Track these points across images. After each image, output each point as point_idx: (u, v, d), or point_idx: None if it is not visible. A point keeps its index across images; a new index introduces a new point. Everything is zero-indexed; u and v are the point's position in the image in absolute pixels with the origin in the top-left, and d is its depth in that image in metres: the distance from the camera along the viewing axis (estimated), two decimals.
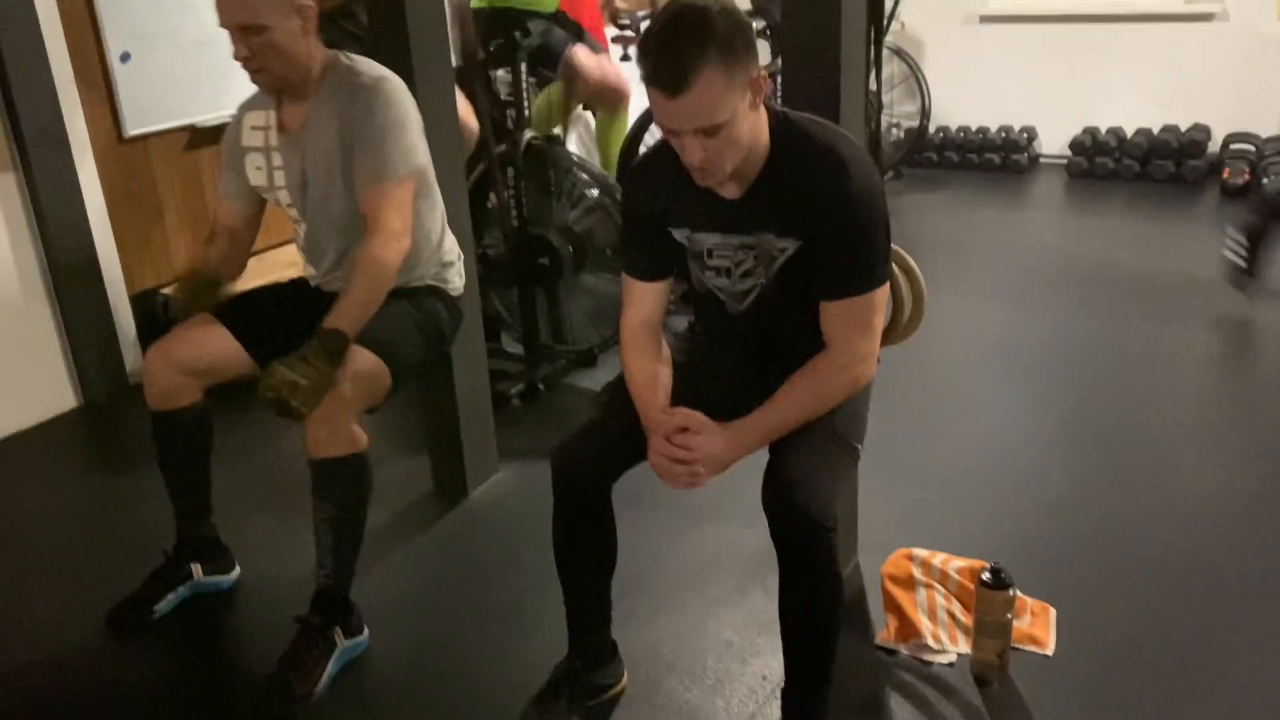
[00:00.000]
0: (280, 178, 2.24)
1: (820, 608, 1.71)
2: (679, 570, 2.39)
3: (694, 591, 2.31)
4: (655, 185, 1.80)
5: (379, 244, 2.08)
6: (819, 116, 1.80)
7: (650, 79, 1.56)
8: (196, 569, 2.36)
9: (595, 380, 3.42)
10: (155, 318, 3.57)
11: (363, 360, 2.07)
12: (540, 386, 3.33)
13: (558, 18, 3.74)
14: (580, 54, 3.75)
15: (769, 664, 2.05)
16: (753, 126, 1.64)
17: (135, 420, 3.28)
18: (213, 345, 2.24)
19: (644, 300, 1.89)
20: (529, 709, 1.97)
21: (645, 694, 2.02)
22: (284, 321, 2.29)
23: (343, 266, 2.27)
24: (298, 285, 2.40)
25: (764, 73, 1.61)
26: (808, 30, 1.94)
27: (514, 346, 3.51)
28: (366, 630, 2.18)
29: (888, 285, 1.76)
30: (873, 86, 3.65)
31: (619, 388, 1.89)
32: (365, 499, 2.11)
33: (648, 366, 1.84)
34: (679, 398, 1.82)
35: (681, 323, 2.07)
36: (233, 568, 2.43)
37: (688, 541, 2.48)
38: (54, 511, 2.84)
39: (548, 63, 3.72)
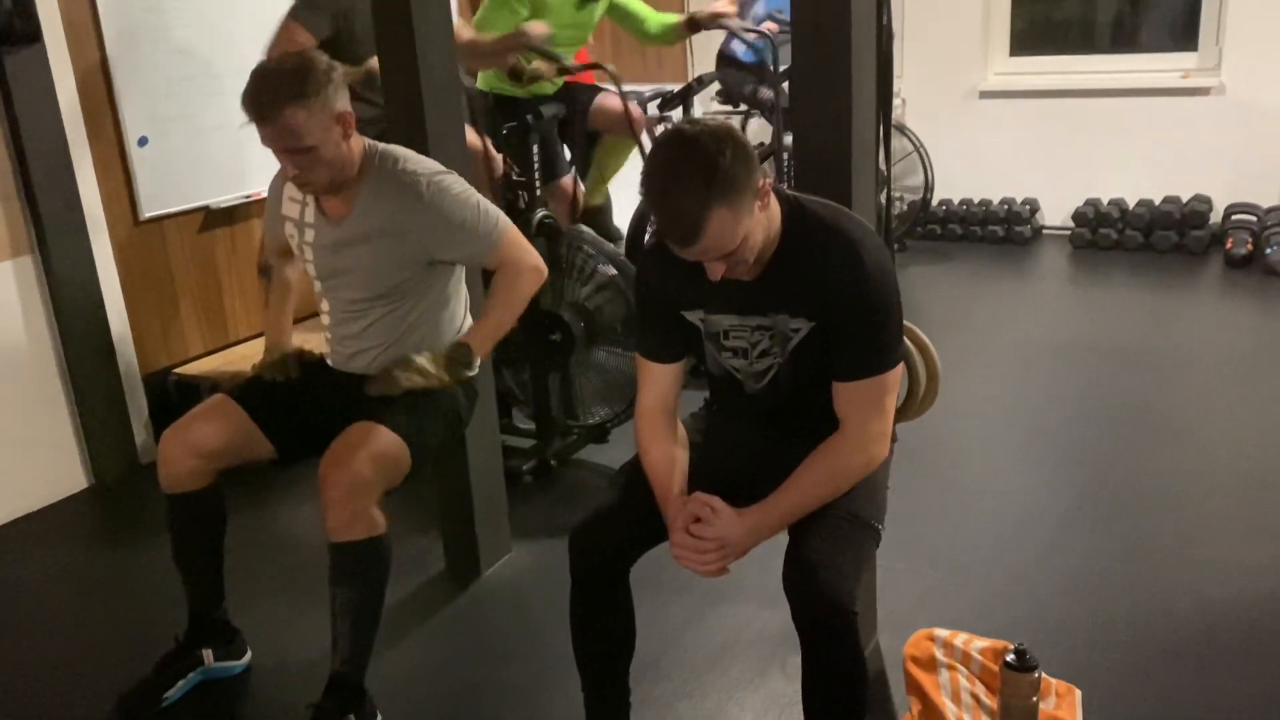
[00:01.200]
0: (309, 253, 2.27)
1: (844, 691, 1.68)
2: (698, 653, 2.35)
3: (713, 674, 2.28)
4: (668, 268, 1.81)
5: (523, 281, 2.28)
6: (831, 196, 1.84)
7: (662, 231, 1.61)
8: (207, 654, 2.33)
9: (607, 456, 3.41)
10: (168, 397, 3.58)
11: (386, 442, 2.07)
12: (552, 463, 3.32)
13: (569, 90, 3.81)
14: (607, 99, 3.83)
15: None
16: (764, 224, 1.66)
17: (146, 501, 3.28)
18: (229, 429, 2.24)
19: (659, 382, 1.90)
20: None
21: None
22: (301, 405, 2.30)
23: (360, 354, 2.29)
24: (315, 368, 2.40)
25: (768, 181, 1.64)
26: (819, 112, 1.98)
27: (525, 422, 3.51)
28: (380, 717, 2.15)
29: (901, 366, 1.77)
30: (881, 164, 3.70)
31: (636, 468, 1.88)
32: (383, 583, 2.09)
33: (665, 451, 1.84)
34: (696, 478, 1.82)
35: (695, 401, 2.07)
36: (244, 653, 2.40)
37: (706, 623, 2.45)
38: (64, 594, 2.81)
39: (574, 128, 3.81)
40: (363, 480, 2.02)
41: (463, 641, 2.48)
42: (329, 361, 2.39)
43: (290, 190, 2.30)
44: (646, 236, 3.98)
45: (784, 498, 1.72)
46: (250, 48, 3.41)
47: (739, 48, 4.79)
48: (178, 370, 3.63)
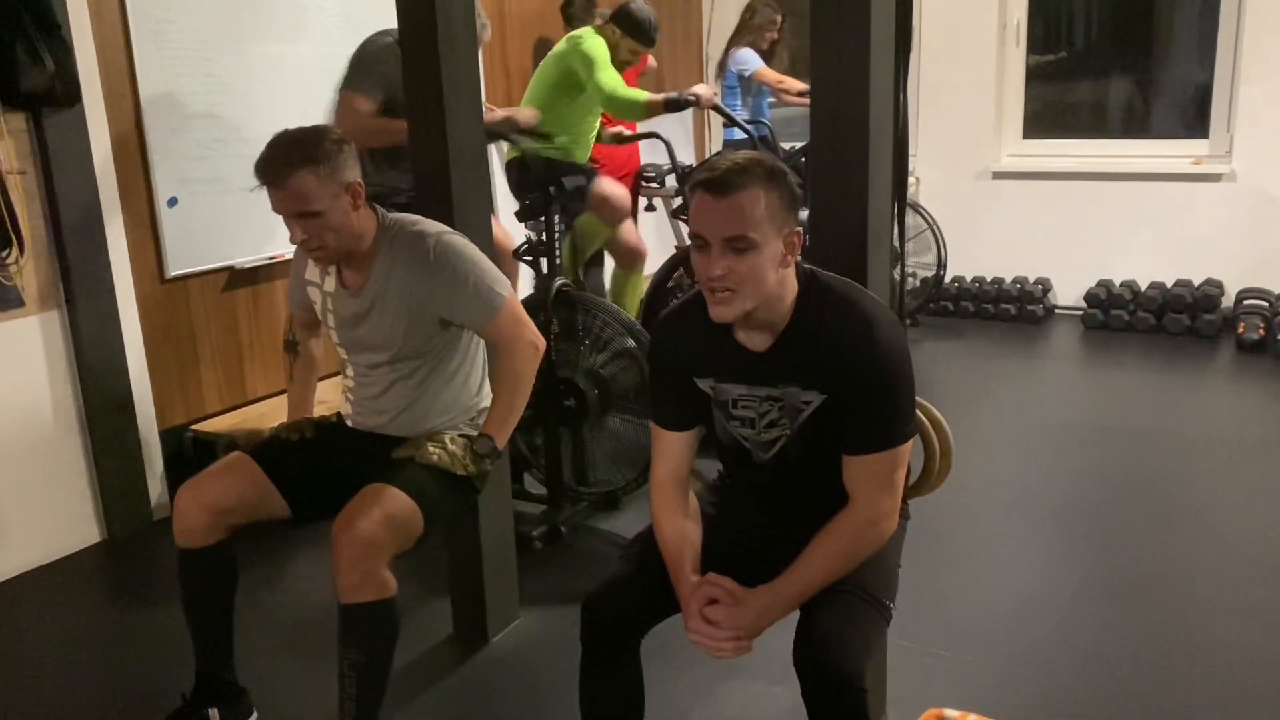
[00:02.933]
0: (331, 320, 2.32)
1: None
2: None
3: None
4: (683, 335, 1.85)
5: (519, 359, 2.28)
6: (846, 271, 1.88)
7: (701, 184, 1.66)
8: (214, 713, 2.32)
9: (617, 524, 3.41)
10: (184, 454, 3.61)
11: (399, 505, 2.09)
12: (563, 529, 3.32)
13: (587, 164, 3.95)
14: (605, 184, 3.94)
15: None
16: (781, 278, 1.70)
17: (157, 558, 3.29)
18: (244, 486, 2.26)
19: (672, 451, 1.92)
20: None
21: None
22: (318, 465, 2.33)
23: (380, 414, 2.33)
24: (332, 429, 2.43)
25: (800, 233, 1.69)
26: (836, 190, 2.02)
27: (536, 487, 3.52)
28: None
29: (913, 441, 1.79)
30: (895, 241, 3.76)
31: (650, 539, 1.90)
32: (392, 646, 2.10)
33: (677, 525, 1.85)
34: (708, 551, 1.84)
35: (711, 472, 2.08)
36: (250, 713, 2.39)
37: (715, 698, 2.43)
38: (72, 648, 2.81)
39: (575, 203, 3.89)
40: (374, 542, 2.04)
41: (468, 708, 2.47)
42: (348, 422, 2.42)
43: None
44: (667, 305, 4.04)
45: (796, 576, 1.72)
46: (278, 113, 3.51)
47: (739, 135, 4.93)
48: (195, 427, 3.66)
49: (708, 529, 1.89)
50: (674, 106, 3.81)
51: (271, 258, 3.88)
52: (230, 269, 3.79)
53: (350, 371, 2.39)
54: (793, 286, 1.74)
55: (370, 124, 3.26)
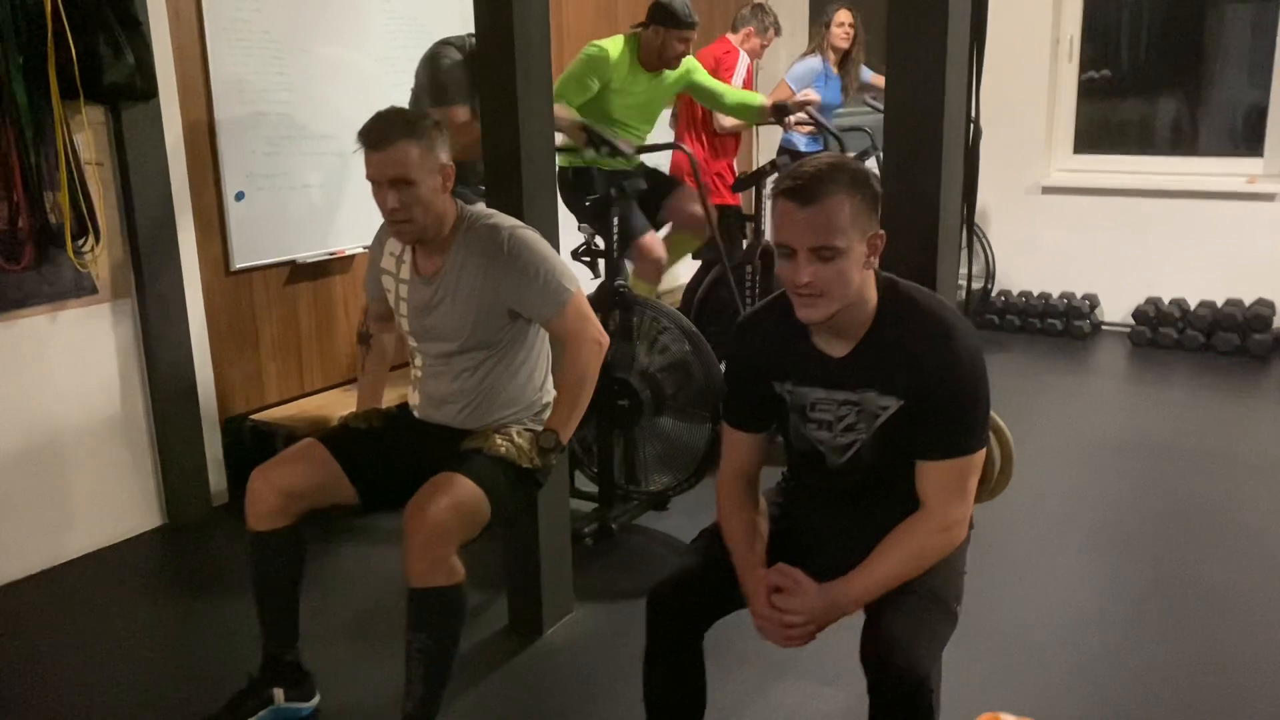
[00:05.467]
0: (404, 308, 2.38)
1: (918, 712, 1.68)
2: None
3: None
4: (764, 338, 1.89)
5: (584, 355, 2.32)
6: (916, 278, 1.90)
7: (786, 193, 1.68)
8: (278, 694, 2.38)
9: (667, 524, 3.45)
10: (243, 443, 3.68)
11: (468, 493, 2.13)
12: (614, 527, 3.36)
13: (650, 171, 3.98)
14: (685, 200, 4.08)
15: None
16: (863, 281, 1.73)
17: (216, 543, 3.37)
18: (316, 472, 2.32)
19: (742, 450, 1.95)
20: None
21: None
22: (386, 454, 2.38)
23: (448, 405, 2.38)
24: (401, 420, 2.49)
25: (882, 235, 1.72)
26: (909, 197, 2.06)
27: (586, 486, 3.56)
28: None
29: (984, 451, 1.81)
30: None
31: (716, 534, 1.93)
32: (459, 630, 2.14)
33: (745, 519, 1.89)
34: (774, 551, 1.87)
35: (771, 478, 2.11)
36: (314, 695, 2.44)
37: (767, 698, 2.46)
38: (135, 629, 2.88)
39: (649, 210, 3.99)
40: (445, 528, 2.08)
41: (524, 697, 2.51)
42: (415, 413, 2.47)
43: (391, 246, 2.42)
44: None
45: (864, 577, 1.75)
46: (343, 113, 3.58)
47: (800, 139, 4.94)
48: (254, 416, 3.74)
49: (773, 529, 1.92)
50: (784, 112, 4.12)
51: (332, 253, 3.95)
52: (292, 263, 3.86)
53: (419, 361, 2.44)
54: (874, 290, 1.77)
55: (478, 129, 3.33)
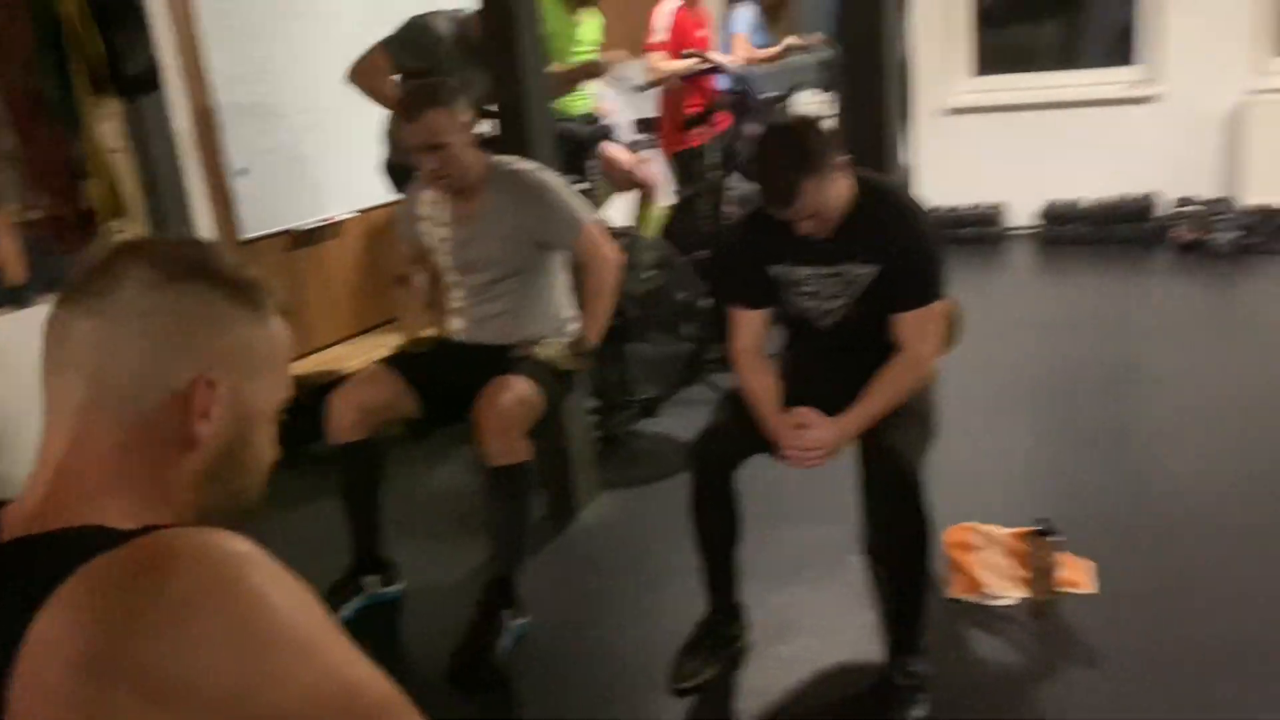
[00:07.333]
0: (445, 248, 2.79)
1: (915, 542, 2.19)
2: (773, 562, 2.81)
3: (791, 574, 2.79)
4: (757, 232, 2.36)
5: (606, 271, 2.77)
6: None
7: (766, 200, 2.18)
8: (370, 581, 2.81)
9: (658, 426, 3.92)
10: None
11: (528, 388, 2.59)
12: (615, 432, 3.83)
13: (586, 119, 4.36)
14: (611, 148, 4.37)
15: (868, 619, 2.54)
16: (840, 191, 2.21)
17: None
18: (385, 390, 2.74)
19: (750, 325, 2.42)
20: (678, 660, 2.42)
21: (766, 646, 2.49)
22: (442, 373, 2.80)
23: (493, 322, 2.81)
24: (446, 345, 2.90)
25: (847, 159, 2.20)
26: (863, 114, 2.55)
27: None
28: (528, 615, 2.64)
29: (945, 302, 2.32)
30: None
31: (736, 395, 2.41)
32: (530, 502, 2.60)
33: (762, 381, 2.37)
34: (786, 401, 2.35)
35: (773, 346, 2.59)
36: (398, 579, 2.87)
37: (776, 538, 2.88)
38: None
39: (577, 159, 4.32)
40: (513, 416, 2.53)
41: (575, 564, 2.99)
42: (461, 337, 2.89)
43: (428, 196, 2.83)
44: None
45: (862, 409, 2.25)
46: (331, 87, 3.91)
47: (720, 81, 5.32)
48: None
49: (783, 384, 2.40)
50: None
51: (325, 219, 4.31)
52: (291, 232, 4.21)
53: (461, 293, 2.86)
54: (848, 189, 2.24)
55: (373, 82, 3.65)
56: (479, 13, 3.08)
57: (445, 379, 2.80)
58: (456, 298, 2.89)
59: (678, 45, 4.73)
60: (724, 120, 4.78)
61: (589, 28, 4.27)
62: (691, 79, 4.75)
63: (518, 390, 2.58)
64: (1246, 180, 5.62)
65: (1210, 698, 2.19)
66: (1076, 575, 2.60)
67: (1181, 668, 2.28)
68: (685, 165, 4.71)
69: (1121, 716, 2.18)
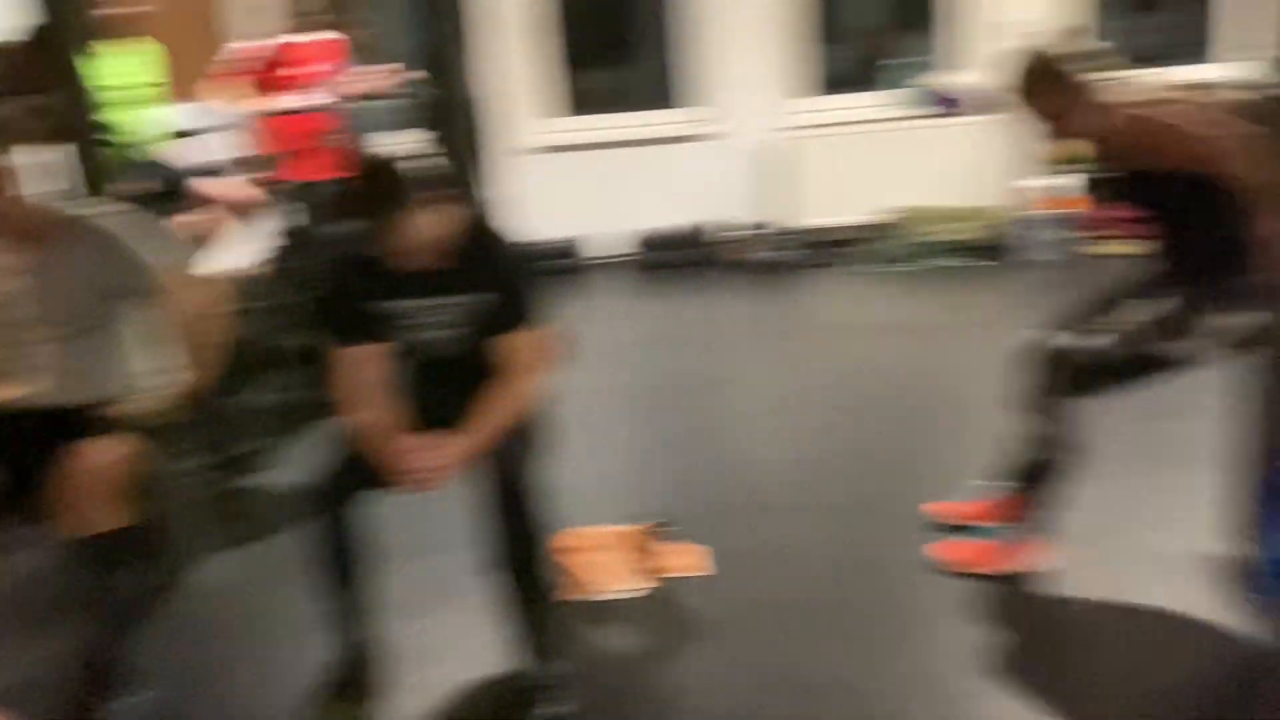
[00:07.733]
0: (15, 300, 2.51)
1: (529, 551, 2.34)
2: (411, 592, 2.79)
3: (427, 606, 2.81)
4: (357, 271, 2.42)
5: (198, 317, 2.66)
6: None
7: (361, 237, 2.29)
8: None
9: (270, 477, 3.75)
10: None
11: (120, 449, 2.45)
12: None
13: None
14: (205, 184, 4.17)
15: (506, 634, 2.61)
16: (433, 225, 2.29)
17: None
18: None
19: (356, 364, 2.43)
20: (322, 707, 2.41)
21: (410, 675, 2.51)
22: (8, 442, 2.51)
23: (66, 382, 2.57)
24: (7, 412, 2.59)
25: (438, 194, 2.31)
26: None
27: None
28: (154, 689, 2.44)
29: (543, 331, 2.47)
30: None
31: (348, 435, 2.42)
32: (135, 566, 2.46)
33: (373, 415, 2.40)
34: (419, 430, 2.39)
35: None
36: None
37: (410, 570, 2.87)
38: None
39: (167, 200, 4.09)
40: (101, 480, 2.40)
41: (197, 628, 2.83)
42: (32, 402, 2.60)
43: None
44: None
45: (473, 427, 2.36)
46: None
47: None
48: None
49: (398, 410, 2.43)
50: None
51: None
52: None
53: (33, 349, 2.57)
54: (448, 223, 2.33)
55: None
56: (24, 43, 2.81)
57: (12, 449, 2.52)
58: (28, 355, 2.61)
59: (271, 79, 4.62)
60: (332, 156, 4.71)
61: (135, 62, 4.06)
62: (287, 114, 4.67)
63: (106, 452, 2.39)
64: (799, 205, 6.48)
65: (814, 655, 2.53)
66: (691, 560, 2.87)
67: (788, 630, 2.63)
68: (295, 200, 4.60)
69: (738, 681, 2.46)
